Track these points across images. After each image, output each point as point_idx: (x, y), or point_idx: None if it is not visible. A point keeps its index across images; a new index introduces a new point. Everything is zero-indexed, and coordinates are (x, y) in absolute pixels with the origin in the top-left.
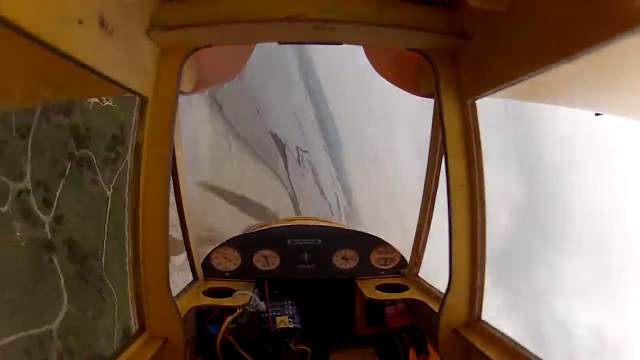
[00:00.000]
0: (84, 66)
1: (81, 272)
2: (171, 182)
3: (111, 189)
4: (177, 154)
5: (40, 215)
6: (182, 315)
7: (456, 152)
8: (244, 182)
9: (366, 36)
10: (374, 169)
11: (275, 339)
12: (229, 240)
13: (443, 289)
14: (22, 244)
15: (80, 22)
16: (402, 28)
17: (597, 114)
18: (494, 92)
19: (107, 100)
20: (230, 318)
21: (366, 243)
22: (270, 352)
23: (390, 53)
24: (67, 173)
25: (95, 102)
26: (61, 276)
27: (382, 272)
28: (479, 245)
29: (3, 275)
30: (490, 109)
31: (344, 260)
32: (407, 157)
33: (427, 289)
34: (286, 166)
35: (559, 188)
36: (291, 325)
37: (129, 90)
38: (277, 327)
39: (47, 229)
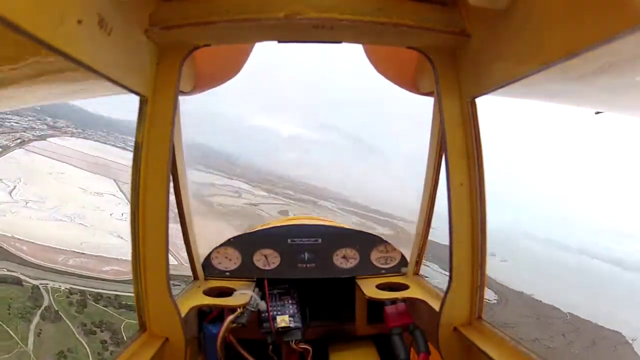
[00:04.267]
0: (83, 66)
1: None
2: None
3: None
4: (177, 153)
5: None
6: (182, 315)
7: (456, 151)
8: None
9: (366, 35)
10: None
11: (276, 338)
12: (229, 240)
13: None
14: None
15: (79, 21)
16: (402, 26)
17: (597, 113)
18: (494, 91)
19: None
20: (230, 317)
21: (366, 242)
22: (270, 351)
23: (390, 51)
24: None
25: None
26: None
27: (383, 271)
28: (479, 244)
29: None
30: None
31: (345, 259)
32: None
33: (428, 288)
34: None
35: None
36: (292, 325)
37: (129, 89)
38: (278, 326)
39: None
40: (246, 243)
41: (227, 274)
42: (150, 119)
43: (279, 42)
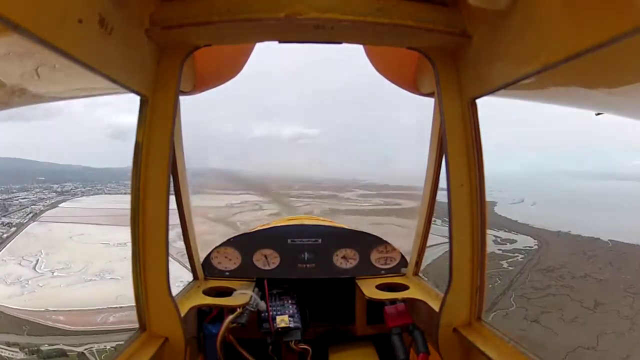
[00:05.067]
0: (83, 65)
1: None
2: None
3: None
4: (177, 153)
5: None
6: (182, 315)
7: (456, 151)
8: None
9: (366, 35)
10: None
11: (276, 338)
12: (229, 240)
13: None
14: None
15: (80, 21)
16: (403, 27)
17: (597, 114)
18: (494, 92)
19: None
20: (230, 317)
21: (366, 242)
22: (270, 351)
23: (391, 52)
24: None
25: None
26: None
27: (383, 272)
28: (479, 245)
29: None
30: None
31: (344, 259)
32: None
33: (428, 288)
34: None
35: None
36: (291, 325)
37: (129, 89)
38: (278, 326)
39: None
40: (246, 243)
41: (227, 273)
42: (150, 119)
43: (280, 42)
